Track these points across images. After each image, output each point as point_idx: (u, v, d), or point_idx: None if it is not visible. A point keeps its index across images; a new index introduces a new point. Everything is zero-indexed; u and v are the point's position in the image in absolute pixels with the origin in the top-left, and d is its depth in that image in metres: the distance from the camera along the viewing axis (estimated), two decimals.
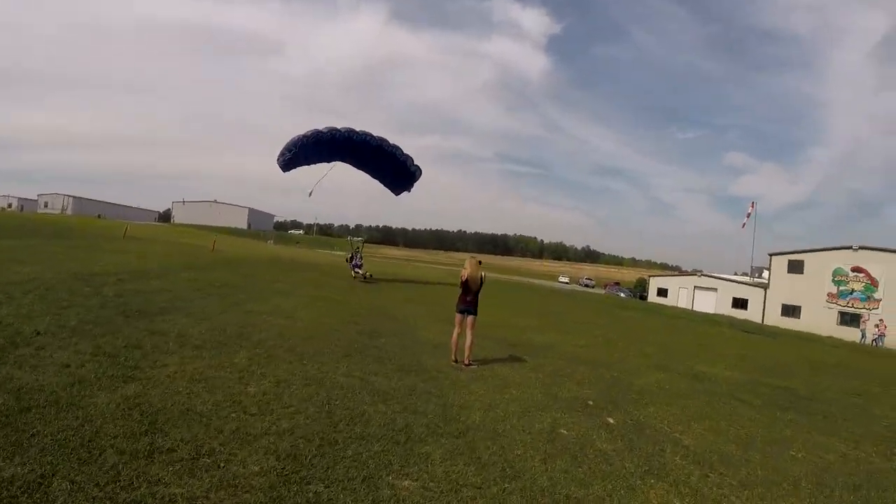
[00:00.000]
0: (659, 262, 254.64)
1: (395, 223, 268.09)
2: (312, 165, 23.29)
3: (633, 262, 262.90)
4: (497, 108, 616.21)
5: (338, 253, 61.70)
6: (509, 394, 7.66)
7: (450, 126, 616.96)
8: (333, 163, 23.64)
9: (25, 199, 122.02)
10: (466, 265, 9.65)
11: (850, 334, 40.25)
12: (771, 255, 54.93)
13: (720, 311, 52.64)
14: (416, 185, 25.21)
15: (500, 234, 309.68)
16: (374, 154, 23.09)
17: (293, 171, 22.90)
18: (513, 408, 6.95)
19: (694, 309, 55.26)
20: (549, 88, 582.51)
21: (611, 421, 7.01)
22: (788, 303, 51.49)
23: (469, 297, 9.56)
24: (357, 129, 22.22)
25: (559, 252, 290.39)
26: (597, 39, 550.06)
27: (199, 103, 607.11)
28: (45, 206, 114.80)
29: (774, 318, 50.71)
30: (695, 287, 62.51)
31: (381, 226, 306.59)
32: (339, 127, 21.85)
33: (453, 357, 9.34)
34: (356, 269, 24.68)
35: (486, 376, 8.62)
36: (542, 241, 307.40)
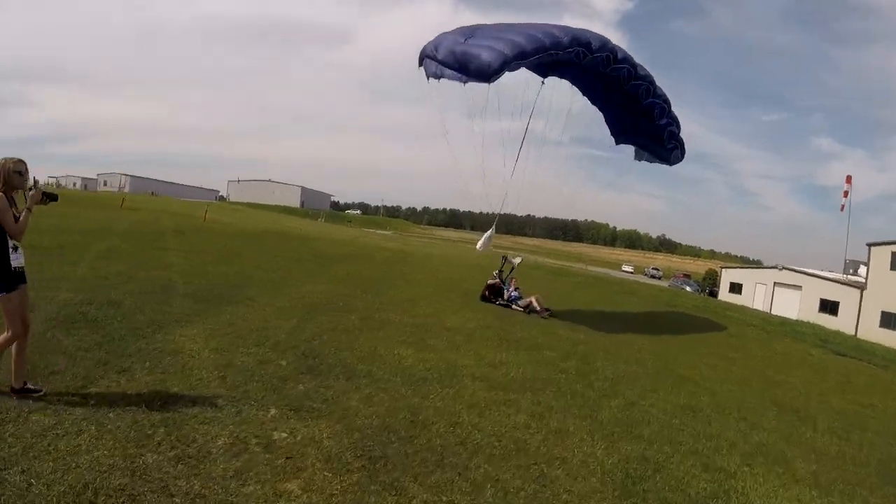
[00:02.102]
0: (738, 254, 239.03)
1: (463, 206, 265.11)
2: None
3: (711, 255, 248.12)
4: (572, 89, 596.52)
5: (383, 232, 59.10)
6: None
7: (522, 109, 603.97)
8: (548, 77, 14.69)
9: (87, 178, 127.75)
10: None
11: None
12: (870, 245, 43.76)
13: (804, 317, 41.41)
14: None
15: (570, 219, 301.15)
16: (614, 89, 13.93)
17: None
18: None
19: (772, 311, 47.18)
20: None
21: None
22: (891, 310, 40.06)
23: None
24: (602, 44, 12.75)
25: (632, 240, 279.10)
26: (672, 15, 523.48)
27: (263, 93, 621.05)
28: (105, 184, 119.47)
29: (871, 329, 39.85)
30: (775, 283, 53.77)
31: (447, 209, 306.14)
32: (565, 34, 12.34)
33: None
34: (512, 303, 15.73)
35: None
36: (614, 227, 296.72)
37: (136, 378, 5.81)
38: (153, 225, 25.39)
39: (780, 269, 54.83)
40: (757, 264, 59.53)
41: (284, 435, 5.03)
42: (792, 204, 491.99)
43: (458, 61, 12.15)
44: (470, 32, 12.86)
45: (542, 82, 14.69)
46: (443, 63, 12.64)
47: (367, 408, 5.99)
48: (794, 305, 49.16)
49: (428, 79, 13.60)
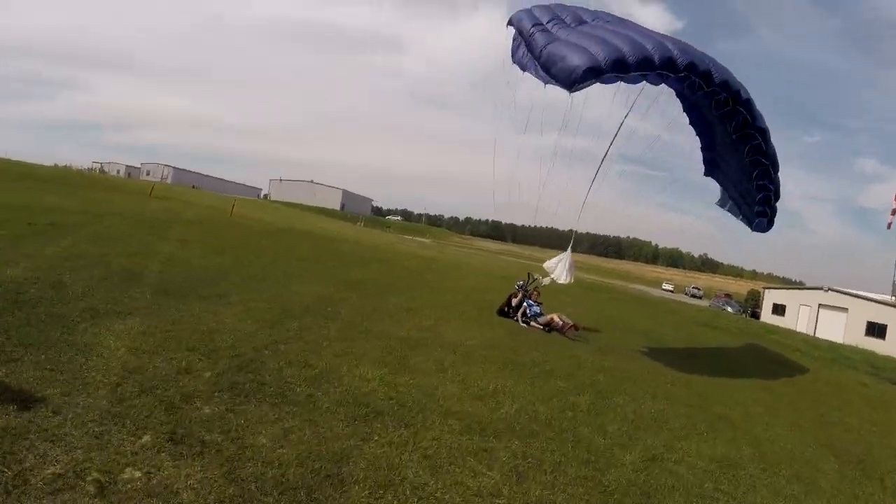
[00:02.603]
0: (781, 275, 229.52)
1: (505, 219, 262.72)
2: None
3: (753, 275, 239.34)
4: (617, 105, 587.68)
5: (421, 240, 57.76)
6: None
7: (568, 124, 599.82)
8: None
9: (131, 166, 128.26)
10: None
11: None
12: None
13: (850, 340, 39.22)
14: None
15: (612, 235, 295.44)
16: (721, 123, 11.21)
17: None
18: None
19: (816, 334, 44.21)
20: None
21: None
22: None
23: None
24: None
25: (674, 258, 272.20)
26: (718, 35, 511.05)
27: (315, 97, 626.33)
28: (148, 174, 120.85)
29: None
30: (819, 305, 50.47)
31: (489, 220, 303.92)
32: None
33: None
34: (531, 319, 13.63)
35: None
36: (656, 245, 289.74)
37: (17, 371, 4.74)
38: (171, 213, 24.47)
39: (826, 291, 51.27)
40: (799, 285, 55.51)
41: (138, 475, 3.67)
42: (835, 225, 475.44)
43: (543, 56, 9.68)
44: (571, 15, 10.41)
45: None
46: (529, 46, 10.18)
47: (275, 449, 4.45)
48: (839, 328, 46.13)
49: (514, 62, 11.36)
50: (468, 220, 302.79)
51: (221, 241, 17.70)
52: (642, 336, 16.46)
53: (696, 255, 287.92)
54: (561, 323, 13.36)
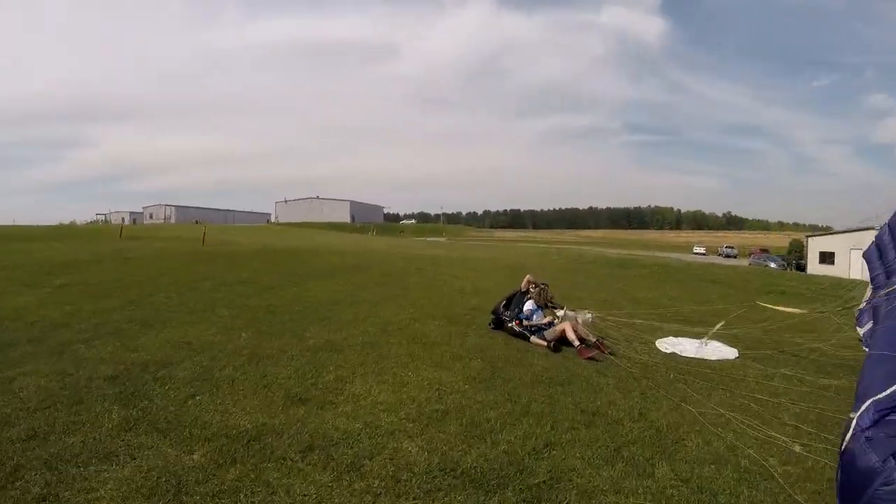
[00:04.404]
0: (808, 223, 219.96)
1: (524, 206, 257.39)
2: None
3: (780, 227, 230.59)
4: (619, 78, 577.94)
5: (435, 239, 53.30)
6: None
7: (572, 104, 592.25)
8: None
9: (135, 212, 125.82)
10: None
11: None
12: None
13: None
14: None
15: (633, 207, 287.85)
16: None
17: None
18: None
19: None
20: (670, 50, 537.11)
21: None
22: None
23: None
24: None
25: (698, 221, 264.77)
26: None
27: (314, 114, 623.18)
28: (150, 216, 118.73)
29: None
30: None
31: (508, 210, 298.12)
32: None
33: None
34: (532, 332, 9.14)
35: None
36: (678, 210, 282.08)
37: None
38: (111, 255, 20.47)
39: (881, 228, 44.61)
40: (847, 229, 49.75)
41: None
42: (855, 165, 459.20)
43: None
44: None
45: None
46: None
47: None
48: None
49: None
50: (486, 212, 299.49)
51: (130, 279, 13.57)
52: (684, 324, 11.72)
53: (720, 215, 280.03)
54: (578, 342, 8.51)
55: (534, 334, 9.02)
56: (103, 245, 25.29)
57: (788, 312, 9.63)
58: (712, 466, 4.53)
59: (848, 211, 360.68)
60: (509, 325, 9.41)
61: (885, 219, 9.40)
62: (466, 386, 6.28)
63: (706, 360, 8.84)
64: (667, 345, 9.65)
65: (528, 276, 10.20)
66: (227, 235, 39.75)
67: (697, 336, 9.84)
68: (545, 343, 8.71)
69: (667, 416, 5.68)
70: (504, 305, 9.81)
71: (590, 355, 8.15)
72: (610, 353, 8.50)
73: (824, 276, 37.40)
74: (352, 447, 4.43)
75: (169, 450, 4.17)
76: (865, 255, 9.02)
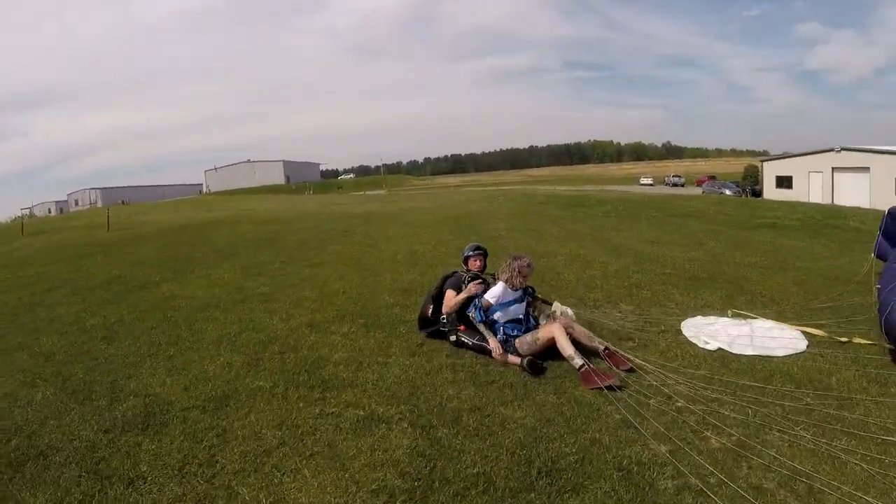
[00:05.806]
0: (745, 149, 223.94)
1: (466, 150, 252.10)
2: None
3: (719, 153, 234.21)
4: (553, 16, 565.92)
5: (373, 192, 48.31)
6: None
7: (509, 45, 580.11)
8: None
9: (61, 201, 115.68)
10: None
11: None
12: None
13: (878, 204, 28.72)
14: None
15: (573, 143, 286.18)
16: None
17: None
18: None
19: (835, 203, 37.41)
20: None
21: None
22: None
23: None
24: None
25: (639, 152, 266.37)
26: None
27: (246, 76, 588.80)
28: (76, 203, 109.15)
29: None
30: (833, 169, 42.88)
31: (448, 155, 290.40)
32: None
33: None
34: (502, 341, 5.23)
35: None
36: (619, 143, 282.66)
37: None
38: None
39: (839, 151, 43.23)
40: (803, 153, 48.13)
41: None
42: (787, 91, 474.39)
43: None
44: None
45: None
46: None
47: None
48: (863, 192, 38.69)
49: None
50: (427, 160, 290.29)
51: None
52: (689, 287, 8.38)
53: (659, 145, 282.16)
54: (580, 363, 4.65)
55: (507, 344, 5.20)
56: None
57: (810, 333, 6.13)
58: None
59: (783, 135, 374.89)
60: (451, 337, 5.60)
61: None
62: None
63: (772, 357, 5.38)
64: (699, 331, 6.15)
65: (519, 258, 5.55)
66: (148, 215, 34.31)
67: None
68: (517, 361, 5.00)
69: None
70: (435, 297, 5.93)
71: (604, 384, 4.43)
72: (628, 371, 4.90)
73: (782, 202, 35.28)
74: None
75: None
76: (879, 254, 8.09)
